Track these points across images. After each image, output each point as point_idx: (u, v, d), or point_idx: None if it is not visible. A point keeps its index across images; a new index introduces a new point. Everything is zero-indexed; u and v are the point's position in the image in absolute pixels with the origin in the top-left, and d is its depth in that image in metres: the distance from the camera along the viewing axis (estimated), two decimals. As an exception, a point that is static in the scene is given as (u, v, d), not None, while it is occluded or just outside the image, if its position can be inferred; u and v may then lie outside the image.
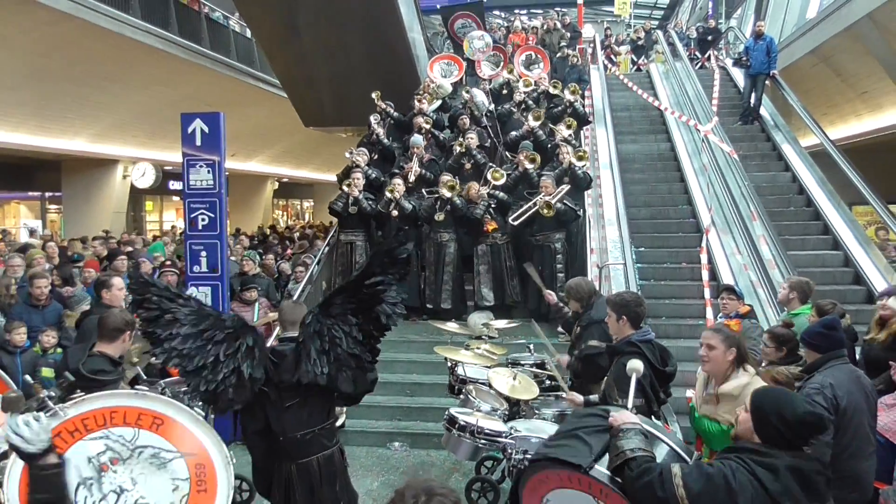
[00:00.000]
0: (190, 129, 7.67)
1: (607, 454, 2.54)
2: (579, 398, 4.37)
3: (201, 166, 7.75)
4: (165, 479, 2.88)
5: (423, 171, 9.16)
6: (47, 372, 5.59)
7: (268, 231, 18.52)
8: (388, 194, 8.52)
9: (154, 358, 3.77)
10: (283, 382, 3.44)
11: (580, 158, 8.66)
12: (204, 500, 2.89)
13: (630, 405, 2.81)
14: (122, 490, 2.80)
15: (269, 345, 4.10)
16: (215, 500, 2.90)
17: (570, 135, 9.49)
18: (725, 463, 2.37)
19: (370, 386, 3.59)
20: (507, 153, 9.73)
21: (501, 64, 12.52)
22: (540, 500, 2.71)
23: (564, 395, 4.65)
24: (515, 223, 8.14)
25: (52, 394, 3.20)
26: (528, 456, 4.06)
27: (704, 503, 2.28)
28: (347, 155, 9.53)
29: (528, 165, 8.70)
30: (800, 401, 2.46)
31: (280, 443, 3.50)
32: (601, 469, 2.51)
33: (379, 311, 3.40)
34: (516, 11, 26.13)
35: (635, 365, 3.07)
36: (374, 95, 10.75)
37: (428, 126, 9.92)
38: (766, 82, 11.92)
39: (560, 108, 10.40)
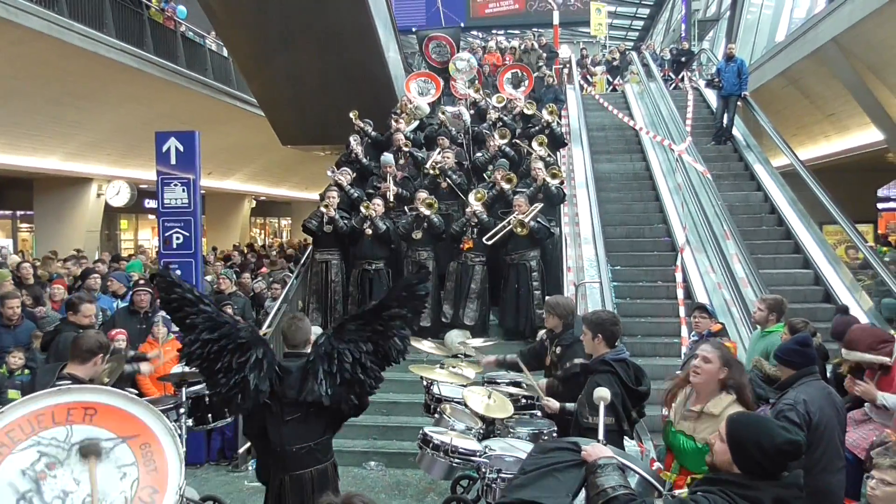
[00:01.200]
0: (164, 148, 7.64)
1: (583, 491, 2.50)
2: (555, 404, 4.36)
3: (176, 184, 7.72)
4: (110, 469, 2.71)
5: (400, 190, 9.17)
6: (13, 394, 5.46)
7: (245, 249, 18.39)
8: (363, 210, 8.46)
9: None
10: (286, 397, 3.51)
11: (554, 176, 8.69)
12: (157, 480, 2.73)
13: (601, 435, 2.79)
14: (66, 493, 2.61)
15: None
16: (167, 476, 2.75)
17: (546, 154, 9.52)
18: (711, 498, 2.31)
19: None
20: (473, 175, 9.70)
21: (475, 82, 12.63)
22: None
23: (541, 400, 4.62)
24: (489, 243, 8.13)
25: None
26: (501, 482, 4.04)
27: None
28: (329, 174, 9.49)
29: (505, 185, 8.71)
30: (776, 428, 2.43)
31: (276, 453, 3.56)
32: None
33: (390, 345, 3.58)
34: (493, 32, 26.40)
35: (602, 394, 3.07)
36: (351, 115, 10.75)
37: (407, 149, 9.93)
38: (738, 103, 12.15)
39: (537, 127, 10.46)
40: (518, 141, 10.00)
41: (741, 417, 2.53)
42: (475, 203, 8.24)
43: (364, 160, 9.99)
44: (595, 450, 2.54)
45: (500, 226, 8.12)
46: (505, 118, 10.74)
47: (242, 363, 3.43)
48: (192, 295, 3.52)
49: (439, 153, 9.48)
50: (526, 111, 10.80)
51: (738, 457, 2.36)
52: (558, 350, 4.94)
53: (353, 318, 3.64)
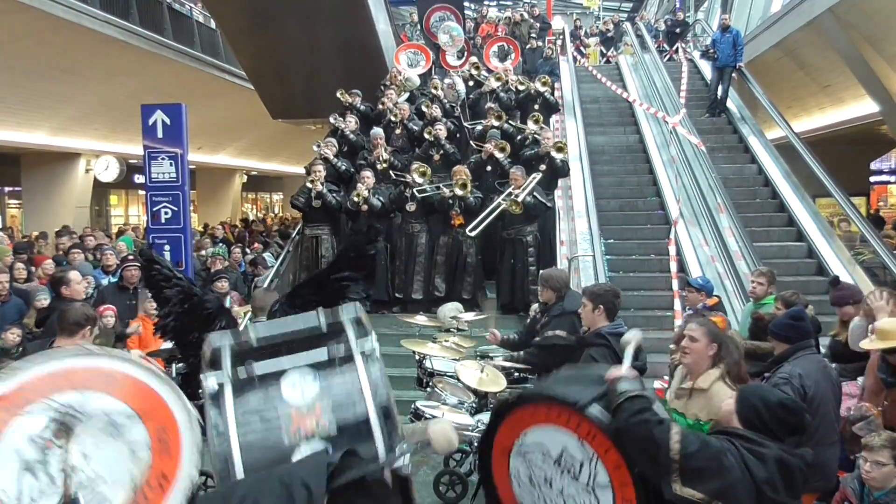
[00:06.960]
0: (151, 121, 7.51)
1: (603, 402, 2.55)
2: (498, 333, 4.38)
3: (163, 159, 7.60)
4: (122, 448, 2.41)
5: (392, 159, 9.10)
6: (2, 374, 5.36)
7: (239, 224, 18.28)
8: (355, 198, 8.38)
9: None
10: None
11: (560, 150, 8.59)
12: (168, 466, 2.44)
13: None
14: (73, 468, 2.32)
15: None
16: (179, 465, 2.45)
17: (541, 128, 9.43)
18: (720, 439, 2.41)
19: None
20: (473, 143, 9.63)
21: (465, 54, 12.44)
22: (517, 436, 2.67)
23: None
24: (472, 234, 8.02)
25: None
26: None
27: (694, 465, 2.30)
28: (315, 148, 9.39)
29: (499, 154, 8.64)
30: (775, 390, 2.72)
31: None
32: (596, 410, 2.50)
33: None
34: (485, 3, 26.05)
35: (632, 336, 3.05)
36: (338, 94, 10.56)
37: (401, 117, 9.80)
38: (733, 75, 12.03)
39: (524, 94, 10.32)
40: (512, 123, 9.86)
41: (747, 388, 2.74)
42: (458, 190, 8.13)
43: (352, 137, 9.87)
44: (618, 370, 2.59)
45: (485, 212, 7.97)
46: (499, 91, 10.61)
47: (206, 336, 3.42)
48: (168, 270, 3.45)
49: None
50: (519, 87, 10.63)
51: (743, 410, 2.49)
52: (545, 319, 4.92)
53: (305, 284, 3.57)
